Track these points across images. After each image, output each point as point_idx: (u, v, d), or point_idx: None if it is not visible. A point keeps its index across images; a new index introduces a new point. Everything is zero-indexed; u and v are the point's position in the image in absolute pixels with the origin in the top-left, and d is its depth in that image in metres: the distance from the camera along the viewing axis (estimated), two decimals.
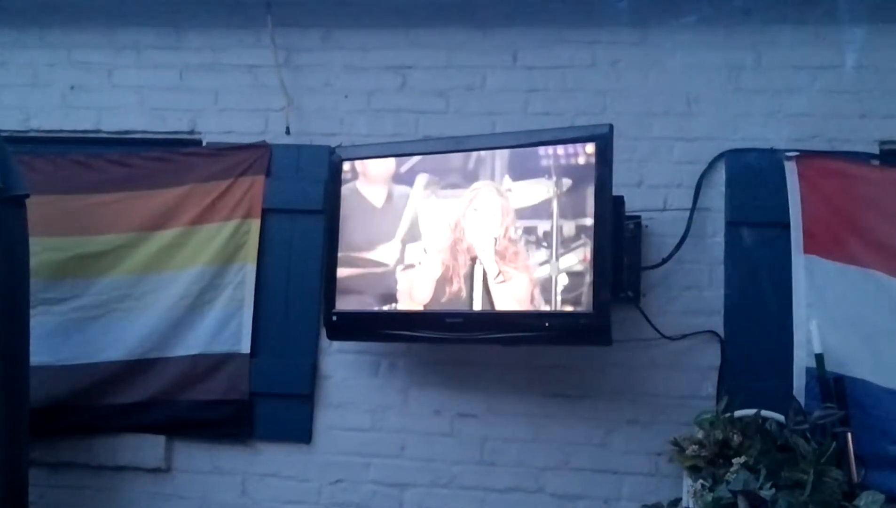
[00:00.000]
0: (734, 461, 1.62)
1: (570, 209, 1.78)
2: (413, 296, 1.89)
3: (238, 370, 2.06)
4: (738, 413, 1.71)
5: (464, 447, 2.00)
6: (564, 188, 1.79)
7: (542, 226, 1.80)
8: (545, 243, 1.79)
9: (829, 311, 1.82)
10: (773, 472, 1.59)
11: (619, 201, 1.87)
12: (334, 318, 1.96)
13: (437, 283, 1.87)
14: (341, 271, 1.96)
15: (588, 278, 1.73)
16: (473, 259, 1.85)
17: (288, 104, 2.15)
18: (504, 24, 2.13)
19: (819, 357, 1.76)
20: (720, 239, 1.97)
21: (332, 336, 2.01)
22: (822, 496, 1.55)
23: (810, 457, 1.60)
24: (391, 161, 1.98)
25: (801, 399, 1.77)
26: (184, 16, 2.25)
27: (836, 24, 2.00)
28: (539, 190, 1.81)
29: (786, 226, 1.89)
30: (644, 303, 1.95)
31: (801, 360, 1.81)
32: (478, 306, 1.83)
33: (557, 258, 1.77)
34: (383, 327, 1.94)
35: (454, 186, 1.90)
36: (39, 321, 2.02)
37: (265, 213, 2.13)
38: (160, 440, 2.09)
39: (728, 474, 1.62)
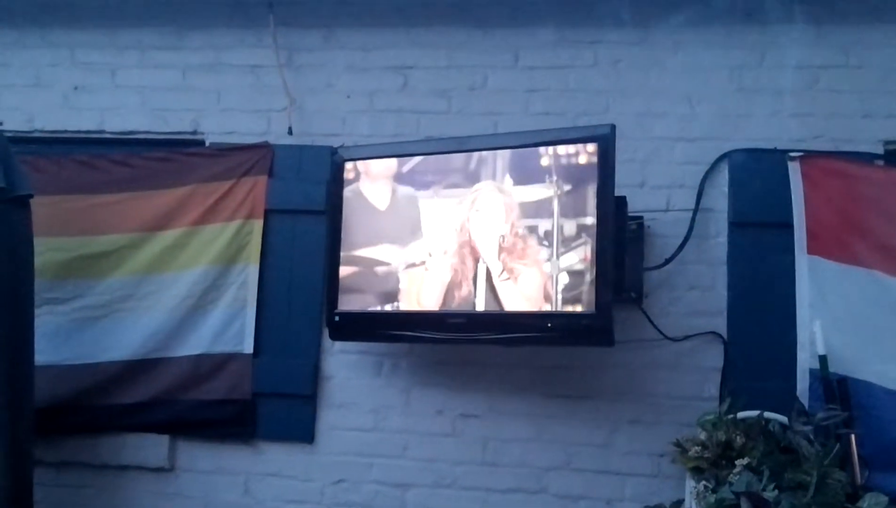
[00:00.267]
0: (737, 462, 1.62)
1: (571, 208, 1.78)
2: (421, 302, 1.88)
3: (241, 370, 2.07)
4: (741, 415, 1.71)
5: (466, 447, 2.00)
6: (565, 188, 1.79)
7: (544, 225, 1.80)
8: (546, 242, 1.79)
9: (833, 312, 1.81)
10: (777, 474, 1.59)
11: (622, 201, 1.87)
12: (337, 318, 1.97)
13: (445, 288, 1.86)
14: (343, 271, 1.96)
15: (588, 277, 1.73)
16: (477, 260, 1.85)
17: (290, 104, 2.16)
18: (505, 25, 2.13)
19: (822, 358, 1.75)
20: (723, 240, 1.97)
21: (335, 337, 2.02)
22: (826, 497, 1.55)
23: (814, 459, 1.59)
24: (393, 161, 1.98)
25: (805, 401, 1.76)
26: (186, 16, 2.25)
27: (838, 24, 2.00)
28: (540, 190, 1.81)
29: (789, 227, 1.88)
30: (646, 304, 1.95)
31: (805, 361, 1.80)
32: (481, 306, 1.83)
33: (558, 257, 1.77)
34: (385, 327, 1.95)
35: (456, 186, 1.90)
36: (43, 320, 2.03)
37: (268, 213, 2.13)
38: (164, 439, 2.10)
39: (731, 475, 1.61)
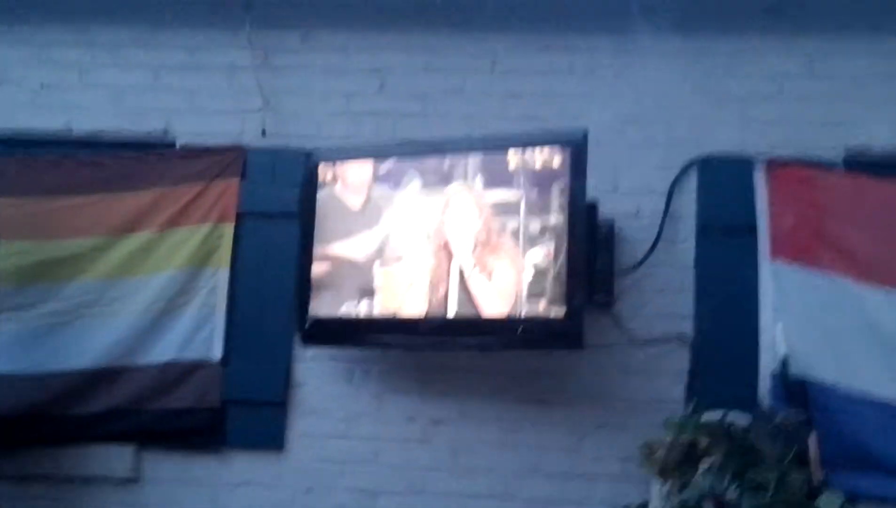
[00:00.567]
0: (701, 463, 1.64)
1: (541, 210, 1.80)
2: (396, 301, 1.88)
3: (210, 378, 2.03)
4: (705, 417, 1.73)
5: (437, 453, 2.00)
6: (536, 190, 1.81)
7: (512, 224, 1.82)
8: (515, 240, 1.81)
9: (795, 315, 1.85)
10: (739, 474, 1.61)
11: (593, 206, 1.89)
12: (308, 324, 1.95)
13: (420, 286, 1.86)
14: (318, 268, 1.95)
15: (552, 273, 1.75)
16: (451, 258, 1.86)
17: (264, 106, 2.13)
18: (483, 29, 2.14)
19: (784, 361, 1.79)
20: (691, 244, 2.00)
21: (307, 342, 2.00)
22: (785, 496, 1.57)
23: (774, 459, 1.62)
24: (369, 164, 1.98)
25: (767, 402, 1.80)
26: (159, 14, 2.22)
27: (803, 34, 2.05)
28: (511, 192, 1.83)
29: (755, 232, 1.92)
30: (617, 308, 1.97)
31: (768, 363, 1.84)
32: (454, 305, 1.84)
33: (524, 255, 1.79)
34: (358, 332, 1.94)
35: (430, 188, 1.91)
36: (4, 328, 1.99)
37: (239, 217, 2.11)
38: (129, 449, 2.05)
39: (696, 476, 1.63)
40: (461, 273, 1.84)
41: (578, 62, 2.10)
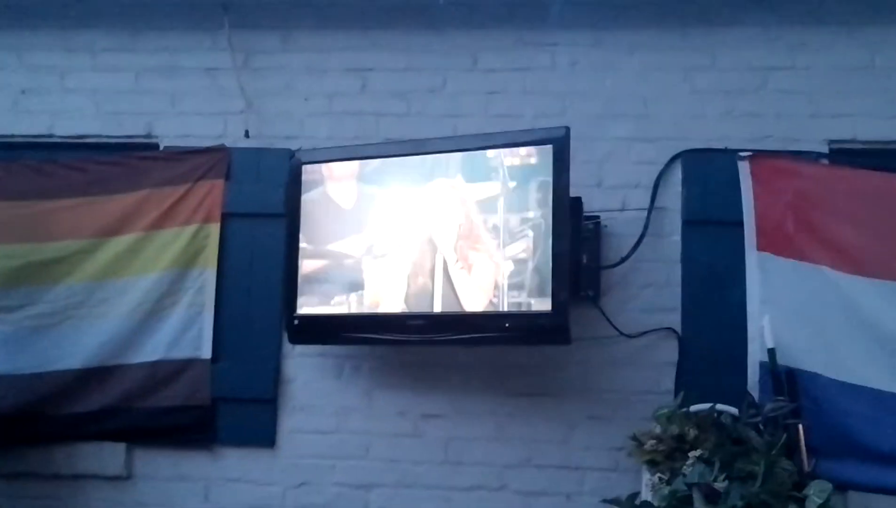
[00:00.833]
0: (690, 454, 1.65)
1: (523, 206, 1.81)
2: (382, 296, 1.89)
3: (199, 376, 2.04)
4: (694, 408, 1.74)
5: (428, 447, 2.01)
6: (518, 187, 1.82)
7: (493, 220, 1.83)
8: (494, 235, 1.82)
9: (782, 306, 1.86)
10: (727, 464, 1.63)
11: (577, 201, 1.90)
12: (296, 322, 1.96)
13: (405, 281, 1.88)
14: (308, 266, 1.95)
15: (531, 265, 1.76)
16: (435, 252, 1.86)
17: (246, 107, 2.13)
18: (464, 27, 2.14)
19: (771, 352, 1.81)
20: (677, 238, 2.01)
21: (294, 340, 2.01)
22: (773, 486, 1.59)
23: (762, 449, 1.64)
24: (353, 163, 1.98)
25: (755, 393, 1.81)
26: (139, 17, 2.21)
27: (785, 27, 2.06)
28: (494, 188, 1.84)
29: (740, 224, 1.93)
30: (603, 302, 1.97)
31: (755, 355, 1.86)
32: (439, 299, 1.85)
33: (503, 248, 1.80)
34: (345, 330, 1.95)
35: (414, 186, 1.91)
36: None
37: (225, 217, 2.11)
38: (120, 447, 2.05)
39: (684, 467, 1.65)
40: (445, 268, 1.85)
41: (559, 58, 2.10)
